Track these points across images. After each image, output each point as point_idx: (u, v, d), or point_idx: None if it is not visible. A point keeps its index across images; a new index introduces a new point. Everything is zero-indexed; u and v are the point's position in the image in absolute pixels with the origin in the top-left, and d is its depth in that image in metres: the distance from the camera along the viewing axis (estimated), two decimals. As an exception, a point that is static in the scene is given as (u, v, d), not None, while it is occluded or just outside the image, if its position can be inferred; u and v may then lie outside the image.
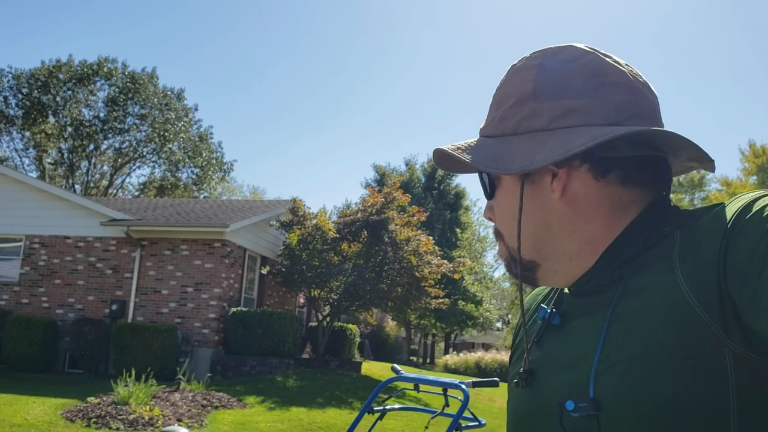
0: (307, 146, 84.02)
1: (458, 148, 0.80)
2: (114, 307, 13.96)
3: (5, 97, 31.99)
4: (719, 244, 0.63)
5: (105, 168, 35.17)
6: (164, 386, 10.33)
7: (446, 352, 38.23)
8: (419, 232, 15.67)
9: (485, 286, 37.59)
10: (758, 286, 0.58)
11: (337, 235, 14.99)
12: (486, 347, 44.60)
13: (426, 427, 3.80)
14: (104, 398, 9.18)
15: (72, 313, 14.30)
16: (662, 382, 0.62)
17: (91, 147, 33.37)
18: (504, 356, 26.44)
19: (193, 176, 35.97)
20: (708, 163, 0.75)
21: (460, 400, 3.59)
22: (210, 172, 36.14)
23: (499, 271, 51.26)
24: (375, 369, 16.52)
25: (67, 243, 14.78)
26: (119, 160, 34.51)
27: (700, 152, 0.73)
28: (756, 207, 0.63)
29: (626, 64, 0.78)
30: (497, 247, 0.86)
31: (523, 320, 0.83)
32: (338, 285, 15.10)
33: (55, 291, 14.59)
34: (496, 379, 3.92)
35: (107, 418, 8.27)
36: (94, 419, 8.22)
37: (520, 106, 0.77)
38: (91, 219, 14.63)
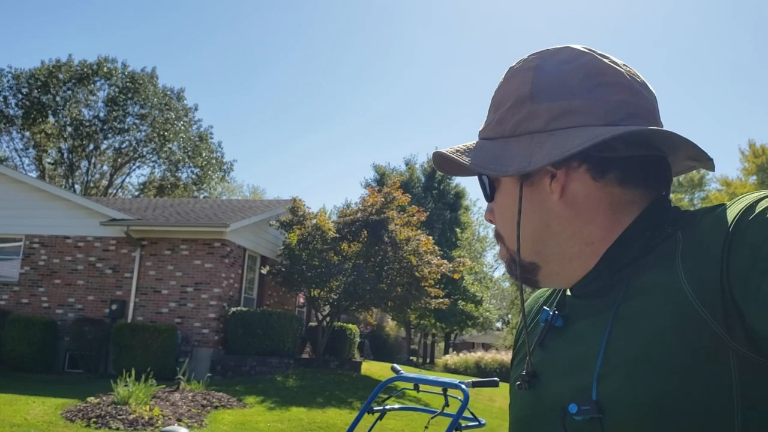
0: (306, 146, 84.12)
1: (457, 151, 0.81)
2: (114, 307, 13.96)
3: (5, 97, 32.00)
4: (722, 245, 0.63)
5: (105, 168, 35.18)
6: (164, 386, 10.33)
7: (446, 352, 38.23)
8: (419, 231, 15.66)
9: (485, 286, 37.59)
10: (761, 287, 0.58)
11: (337, 235, 14.99)
12: (486, 347, 44.61)
13: (426, 427, 3.80)
14: (104, 398, 9.18)
15: (72, 313, 14.30)
16: (665, 384, 0.62)
17: (91, 147, 33.37)
18: (504, 356, 26.45)
19: (193, 176, 35.98)
20: (707, 162, 0.75)
21: (459, 400, 3.59)
22: (210, 172, 36.15)
23: (499, 271, 51.29)
24: (375, 369, 16.52)
25: (66, 243, 14.78)
26: (119, 159, 34.52)
27: (699, 151, 0.72)
28: (759, 208, 0.63)
29: (624, 64, 0.78)
30: (498, 249, 0.86)
31: (524, 323, 0.83)
32: (338, 285, 15.10)
33: (54, 291, 14.59)
34: (495, 379, 3.92)
35: (107, 418, 8.27)
36: (94, 419, 8.22)
37: (518, 108, 0.77)
38: (90, 219, 14.63)
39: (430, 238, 16.01)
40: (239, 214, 15.38)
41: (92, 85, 32.70)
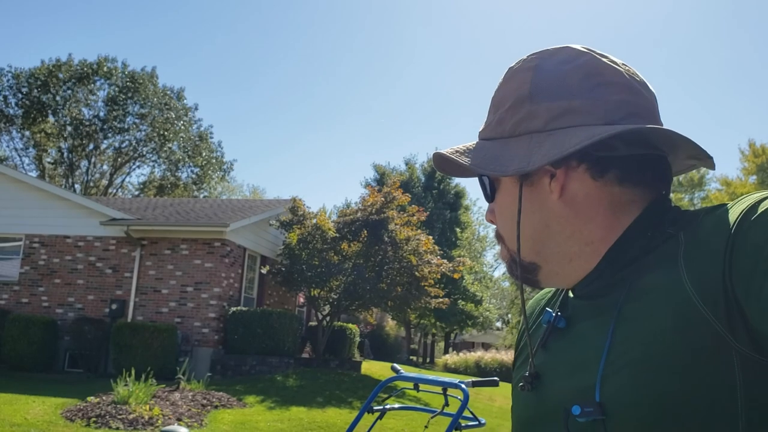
0: (306, 146, 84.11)
1: (456, 152, 0.81)
2: (114, 306, 13.96)
3: (5, 97, 31.99)
4: (724, 245, 0.63)
5: (105, 167, 35.18)
6: (164, 386, 10.33)
7: (446, 352, 38.24)
8: (419, 231, 15.66)
9: (485, 286, 37.59)
10: (764, 287, 0.58)
11: (337, 235, 14.99)
12: (486, 347, 44.61)
13: (426, 427, 3.80)
14: (104, 398, 9.18)
15: (72, 313, 14.30)
16: (669, 385, 0.62)
17: (91, 146, 33.37)
18: (504, 356, 26.44)
19: (193, 176, 35.99)
20: (707, 160, 0.75)
21: (459, 399, 3.59)
22: (210, 172, 36.15)
23: (499, 271, 51.29)
24: (375, 368, 16.52)
25: (66, 242, 14.78)
26: (119, 159, 34.51)
27: (698, 149, 0.72)
28: (761, 208, 0.63)
29: (623, 64, 0.78)
30: (499, 250, 0.86)
31: (526, 325, 0.83)
32: (338, 284, 15.10)
33: (54, 290, 14.59)
34: (495, 378, 3.91)
35: (107, 417, 8.26)
36: (94, 419, 8.22)
37: (517, 108, 0.77)
38: (90, 218, 14.63)
39: (430, 237, 16.01)
40: (239, 213, 15.38)
41: (92, 85, 32.70)
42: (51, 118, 32.55)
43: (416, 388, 3.81)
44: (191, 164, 35.46)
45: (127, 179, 36.94)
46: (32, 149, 33.60)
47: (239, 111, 79.31)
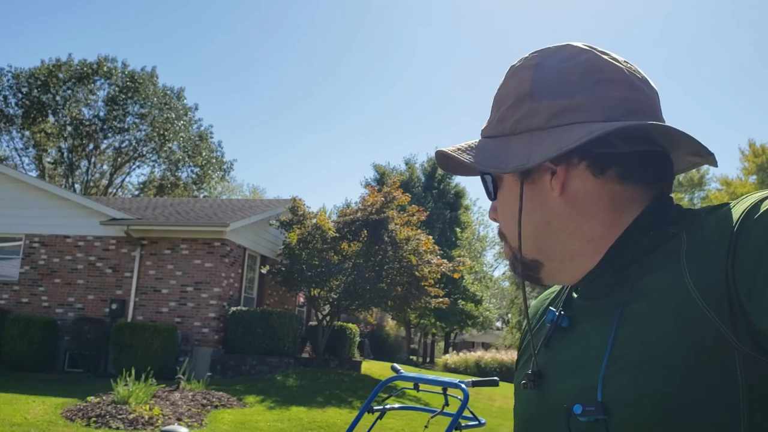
0: (306, 145, 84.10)
1: (458, 149, 0.81)
2: (114, 306, 13.96)
3: (5, 97, 31.99)
4: (727, 245, 0.63)
5: (105, 167, 35.19)
6: (164, 385, 10.33)
7: (446, 352, 38.24)
8: (419, 231, 15.66)
9: (485, 286, 37.59)
10: (767, 287, 0.58)
11: (337, 235, 14.99)
12: (486, 346, 44.62)
13: (426, 426, 3.80)
14: (104, 397, 9.18)
15: (72, 313, 14.30)
16: (671, 385, 0.62)
17: (91, 146, 33.37)
18: (504, 356, 26.44)
19: (193, 175, 35.99)
20: (709, 157, 0.75)
21: (459, 399, 3.59)
22: (210, 172, 36.15)
23: (499, 271, 51.32)
24: (375, 368, 16.52)
25: (66, 242, 14.78)
26: (119, 159, 34.51)
27: (699, 145, 0.72)
28: (764, 207, 0.63)
29: (625, 61, 0.78)
30: (502, 248, 0.86)
31: (528, 324, 0.83)
32: (338, 284, 15.10)
33: (54, 290, 14.59)
34: (495, 378, 3.91)
35: (107, 417, 8.26)
36: (94, 418, 8.22)
37: (518, 106, 0.78)
38: (90, 218, 14.63)
39: (430, 237, 16.00)
40: (239, 213, 15.38)
41: (92, 85, 32.70)
42: (51, 118, 32.55)
43: (416, 387, 3.81)
44: (191, 164, 35.47)
45: (127, 179, 37.00)
46: (32, 149, 33.60)
47: (239, 111, 79.38)
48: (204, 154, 35.44)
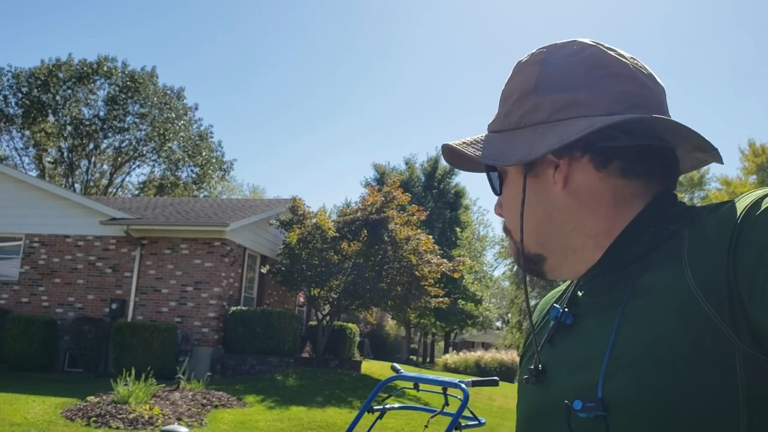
0: (306, 145, 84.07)
1: (464, 143, 0.82)
2: (114, 306, 13.96)
3: (5, 96, 31.99)
4: (728, 242, 0.63)
5: (105, 167, 35.18)
6: (164, 385, 10.33)
7: (446, 351, 38.24)
8: (419, 231, 15.66)
9: (485, 285, 37.60)
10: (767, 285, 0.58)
11: (337, 234, 14.99)
12: (486, 346, 44.63)
13: (426, 426, 3.80)
14: (104, 397, 9.18)
15: (72, 312, 14.30)
16: (671, 384, 0.62)
17: (91, 146, 33.37)
18: (504, 355, 26.45)
19: (193, 175, 35.99)
20: (713, 152, 0.75)
21: (459, 399, 3.58)
22: (210, 171, 36.15)
23: (499, 270, 51.32)
24: (375, 368, 16.52)
25: (66, 242, 14.78)
26: (119, 159, 34.52)
27: (702, 140, 0.73)
28: (765, 205, 0.63)
29: (631, 57, 0.78)
30: (508, 243, 0.87)
31: (531, 321, 0.84)
32: (338, 284, 15.10)
33: (54, 290, 14.59)
34: (495, 378, 3.91)
35: (107, 417, 8.27)
36: (94, 418, 8.22)
37: (523, 100, 0.78)
38: (90, 218, 14.63)
39: (430, 237, 16.00)
40: (239, 213, 15.38)
41: (92, 84, 32.70)
42: (51, 118, 32.55)
43: (416, 387, 3.81)
44: (191, 164, 35.46)
45: (127, 179, 37.00)
46: (32, 149, 33.60)
47: (239, 111, 79.36)
48: (204, 153, 35.44)
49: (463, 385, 3.57)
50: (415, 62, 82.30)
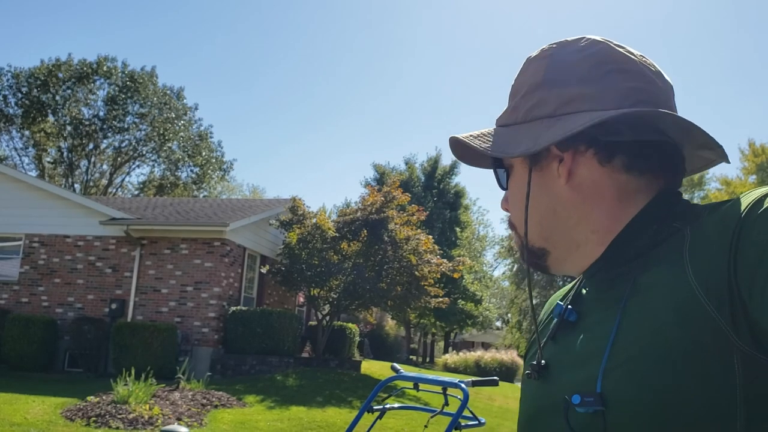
0: (306, 145, 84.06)
1: (471, 136, 0.83)
2: (113, 306, 13.96)
3: (4, 96, 31.98)
4: (729, 241, 0.63)
5: (104, 167, 35.18)
6: (164, 385, 10.32)
7: (446, 351, 38.24)
8: (419, 231, 15.66)
9: (485, 285, 37.60)
10: None
11: (337, 234, 14.99)
12: (485, 346, 44.62)
13: (425, 426, 3.80)
14: (104, 397, 9.18)
15: (72, 312, 14.29)
16: (668, 381, 0.62)
17: (91, 146, 33.36)
18: (504, 355, 26.45)
19: (193, 175, 35.99)
20: (718, 149, 0.75)
21: (459, 399, 3.58)
22: (209, 171, 36.15)
23: (499, 270, 51.35)
24: (374, 368, 16.52)
25: (66, 242, 14.78)
26: (119, 159, 34.51)
27: (707, 136, 0.73)
28: (766, 203, 0.63)
29: (640, 55, 0.79)
30: (513, 238, 0.88)
31: (534, 318, 0.84)
32: (338, 284, 15.10)
33: (54, 290, 14.58)
34: (495, 378, 3.91)
35: (107, 417, 8.26)
36: (94, 418, 8.22)
37: (531, 95, 0.79)
38: (90, 218, 14.63)
39: (430, 237, 16.00)
40: (239, 213, 15.38)
41: (92, 84, 32.69)
42: (51, 118, 32.54)
43: (416, 387, 3.81)
44: (191, 164, 35.46)
45: (127, 179, 37.00)
46: (32, 149, 33.59)
47: (239, 111, 79.35)
48: (204, 153, 35.43)
49: (462, 385, 3.57)
50: (415, 62, 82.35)
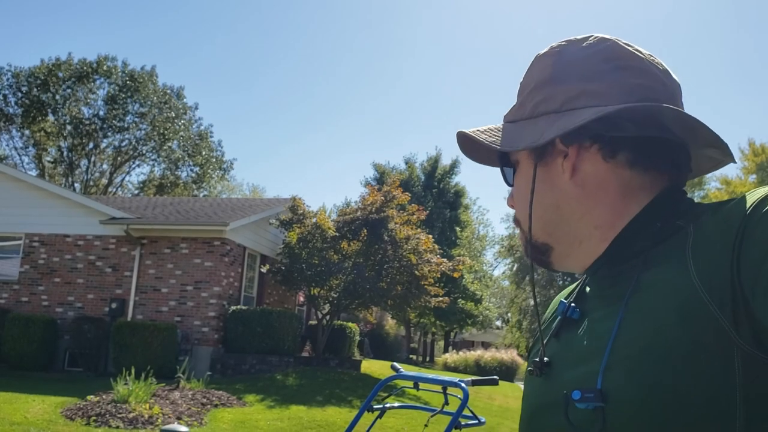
0: (306, 145, 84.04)
1: (478, 130, 0.84)
2: (114, 305, 13.96)
3: (5, 96, 31.97)
4: (733, 239, 0.63)
5: (104, 166, 35.18)
6: (164, 384, 10.33)
7: (446, 351, 38.25)
8: (419, 230, 15.66)
9: (485, 285, 37.59)
10: None
11: (337, 234, 14.99)
12: (485, 345, 44.59)
13: (425, 425, 3.80)
14: (104, 396, 9.18)
15: (72, 312, 14.29)
16: (668, 379, 0.62)
17: (91, 145, 33.36)
18: (504, 355, 26.46)
19: (193, 175, 35.98)
20: (723, 148, 0.75)
21: (459, 398, 3.58)
22: (210, 171, 36.15)
23: (499, 270, 51.36)
24: (374, 367, 16.52)
25: (66, 241, 14.78)
26: (119, 158, 34.51)
27: (710, 133, 0.73)
28: None
29: (648, 54, 0.79)
30: (518, 234, 0.88)
31: (538, 316, 0.84)
32: (338, 283, 15.10)
33: (54, 289, 14.59)
34: (495, 377, 3.91)
35: (107, 416, 8.26)
36: (94, 417, 8.22)
37: (538, 91, 0.80)
38: (90, 217, 14.63)
39: (430, 236, 16.00)
40: (239, 212, 15.38)
41: (92, 84, 32.68)
42: (51, 117, 32.53)
43: (416, 386, 3.81)
44: (191, 163, 35.46)
45: (127, 178, 37.00)
46: (32, 148, 33.59)
47: (239, 110, 79.33)
48: (204, 153, 35.43)
49: (462, 384, 3.57)
50: (415, 62, 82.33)
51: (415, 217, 15.85)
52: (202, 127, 36.07)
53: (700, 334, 0.62)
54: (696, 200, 0.78)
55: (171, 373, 11.61)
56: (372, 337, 26.75)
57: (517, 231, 0.87)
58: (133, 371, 9.58)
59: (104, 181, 34.94)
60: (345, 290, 14.99)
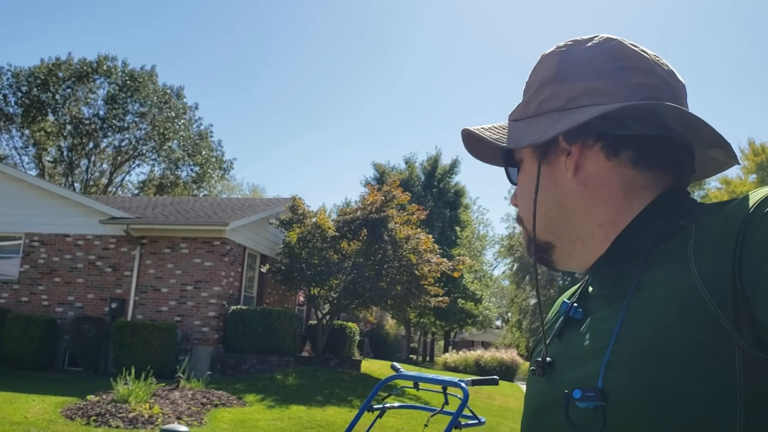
0: (306, 144, 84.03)
1: (482, 128, 0.84)
2: (113, 305, 13.96)
3: (5, 95, 31.96)
4: (735, 239, 0.63)
5: (104, 166, 35.17)
6: (164, 384, 10.33)
7: (446, 350, 38.26)
8: (419, 230, 15.66)
9: (485, 285, 37.60)
10: None
11: (337, 234, 14.99)
12: (485, 345, 44.59)
13: (425, 425, 3.80)
14: (104, 396, 9.18)
15: (72, 311, 14.29)
16: (669, 378, 0.62)
17: (91, 145, 33.35)
18: (504, 354, 26.46)
19: (193, 174, 35.98)
20: (726, 148, 0.75)
21: (459, 398, 3.58)
22: (210, 170, 36.14)
23: (499, 269, 51.35)
24: (374, 367, 16.52)
25: (66, 241, 14.77)
26: (119, 158, 34.51)
27: (713, 132, 0.73)
28: None
29: (654, 54, 0.79)
30: (521, 232, 0.88)
31: (541, 315, 0.85)
32: (338, 283, 15.10)
33: (54, 289, 14.59)
34: (495, 377, 3.91)
35: (107, 416, 8.26)
36: (94, 417, 8.22)
37: (543, 89, 0.81)
38: (90, 217, 14.63)
39: (430, 236, 16.00)
40: (239, 212, 15.38)
41: (92, 83, 32.68)
42: (51, 117, 32.53)
43: (416, 386, 3.81)
44: (191, 163, 35.46)
45: (127, 178, 37.00)
46: (32, 148, 33.58)
47: (239, 110, 79.33)
48: (204, 153, 35.42)
49: (462, 384, 3.57)
50: (415, 62, 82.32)
51: (415, 216, 15.85)
52: (202, 127, 36.09)
53: (701, 334, 0.62)
54: (696, 200, 0.78)
55: (171, 372, 11.61)
56: (372, 336, 26.75)
57: (519, 230, 0.88)
58: (133, 371, 9.58)
59: (104, 180, 34.94)
60: (345, 290, 14.99)
